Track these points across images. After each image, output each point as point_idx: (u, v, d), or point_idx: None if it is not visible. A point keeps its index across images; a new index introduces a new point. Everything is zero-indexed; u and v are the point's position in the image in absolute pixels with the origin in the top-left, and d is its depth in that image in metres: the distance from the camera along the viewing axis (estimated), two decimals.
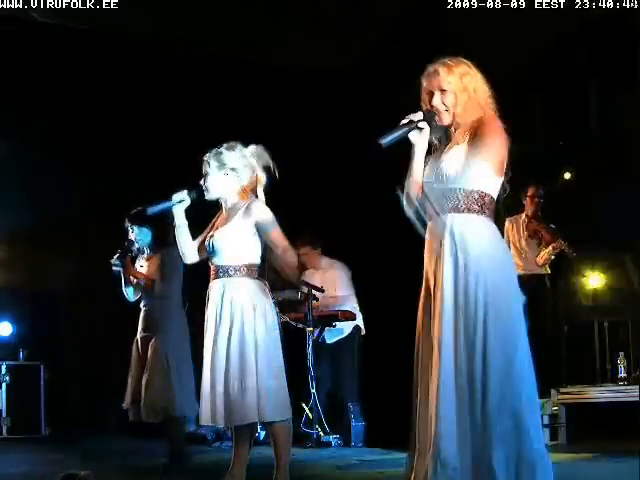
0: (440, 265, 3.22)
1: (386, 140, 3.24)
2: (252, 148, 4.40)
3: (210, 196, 4.41)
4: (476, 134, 3.24)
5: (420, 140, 3.31)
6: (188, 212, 4.49)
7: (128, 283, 5.73)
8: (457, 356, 3.15)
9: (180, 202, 4.42)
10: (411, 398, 3.36)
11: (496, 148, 3.23)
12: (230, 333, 4.22)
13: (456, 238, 3.21)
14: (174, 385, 5.47)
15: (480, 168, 3.22)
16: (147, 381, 5.47)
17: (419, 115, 3.29)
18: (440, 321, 3.17)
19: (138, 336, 5.70)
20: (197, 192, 4.42)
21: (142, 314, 5.72)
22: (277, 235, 4.32)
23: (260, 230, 4.30)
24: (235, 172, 4.35)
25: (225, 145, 4.39)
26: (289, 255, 4.35)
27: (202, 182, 4.39)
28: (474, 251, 3.19)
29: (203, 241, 4.46)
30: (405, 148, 3.37)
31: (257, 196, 4.40)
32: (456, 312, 3.17)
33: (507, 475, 3.10)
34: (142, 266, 5.73)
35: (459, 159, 3.23)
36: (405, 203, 3.39)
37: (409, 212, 3.38)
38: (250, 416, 4.20)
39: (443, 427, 3.11)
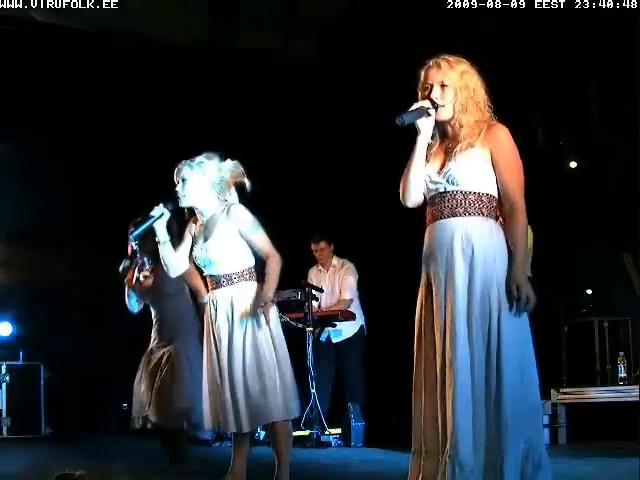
0: (449, 268, 3.22)
1: (404, 121, 3.23)
2: (228, 163, 4.41)
3: (185, 203, 4.39)
4: (489, 139, 3.25)
5: (427, 127, 3.32)
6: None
7: (131, 295, 5.71)
8: (472, 357, 3.17)
9: (160, 217, 4.39)
10: (411, 398, 3.36)
11: (516, 157, 3.27)
12: (244, 338, 4.24)
13: (468, 241, 3.22)
14: (197, 391, 5.37)
15: (494, 174, 3.25)
16: (177, 391, 5.37)
17: (427, 103, 3.30)
18: (454, 324, 3.18)
19: (152, 346, 5.64)
20: (173, 203, 4.40)
21: (156, 327, 5.65)
22: (259, 239, 4.32)
23: (242, 235, 4.31)
24: (212, 182, 4.35)
25: (205, 155, 4.39)
26: (273, 262, 4.30)
27: (179, 189, 4.36)
28: (486, 253, 3.21)
29: (187, 254, 4.45)
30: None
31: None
32: (469, 315, 3.19)
33: (516, 476, 3.12)
34: (146, 277, 5.69)
35: (473, 164, 3.24)
36: (403, 197, 3.40)
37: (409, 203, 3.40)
38: (275, 415, 4.23)
39: (460, 429, 3.11)
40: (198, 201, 4.39)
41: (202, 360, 4.74)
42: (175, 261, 4.48)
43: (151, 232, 4.50)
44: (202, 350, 5.22)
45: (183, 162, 4.40)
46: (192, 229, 4.48)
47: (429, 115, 3.29)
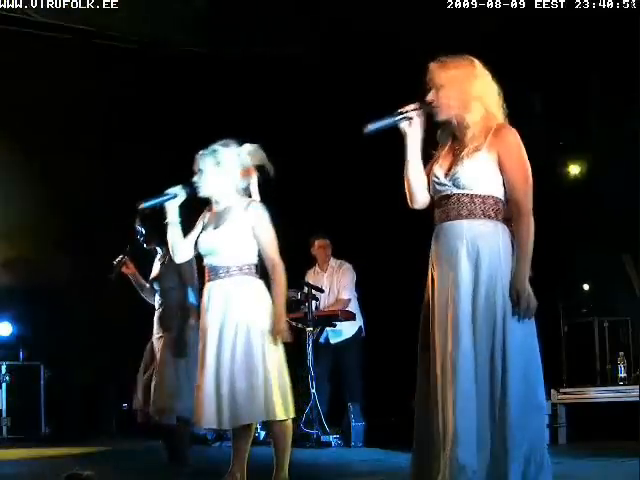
0: (455, 269, 3.22)
1: (370, 128, 3.24)
2: (246, 147, 4.37)
3: (204, 193, 4.35)
4: (497, 143, 3.24)
5: (411, 131, 3.32)
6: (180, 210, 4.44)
7: (142, 288, 5.73)
8: (476, 359, 3.16)
9: (174, 197, 4.36)
10: (411, 398, 3.36)
11: (524, 160, 3.27)
12: (236, 333, 4.18)
13: (473, 243, 3.22)
14: (186, 385, 5.37)
15: (501, 177, 3.25)
16: (160, 386, 5.38)
17: (413, 106, 3.30)
18: (457, 325, 3.17)
19: (153, 338, 5.65)
20: (191, 188, 4.36)
21: (156, 315, 5.66)
22: (268, 243, 4.29)
23: (254, 233, 4.28)
24: (229, 170, 4.32)
25: (220, 143, 4.35)
26: (278, 271, 4.27)
27: (196, 179, 4.33)
28: (491, 255, 3.21)
29: (195, 241, 4.41)
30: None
31: (250, 196, 4.38)
32: (474, 316, 3.19)
33: (518, 476, 3.11)
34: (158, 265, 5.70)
35: (479, 166, 3.24)
36: (409, 201, 3.40)
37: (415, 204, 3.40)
38: (258, 415, 4.18)
39: (461, 429, 3.10)
40: (214, 190, 4.34)
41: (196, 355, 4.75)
42: (182, 246, 4.41)
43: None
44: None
45: (202, 151, 4.35)
46: (205, 218, 4.43)
47: (409, 119, 3.29)
